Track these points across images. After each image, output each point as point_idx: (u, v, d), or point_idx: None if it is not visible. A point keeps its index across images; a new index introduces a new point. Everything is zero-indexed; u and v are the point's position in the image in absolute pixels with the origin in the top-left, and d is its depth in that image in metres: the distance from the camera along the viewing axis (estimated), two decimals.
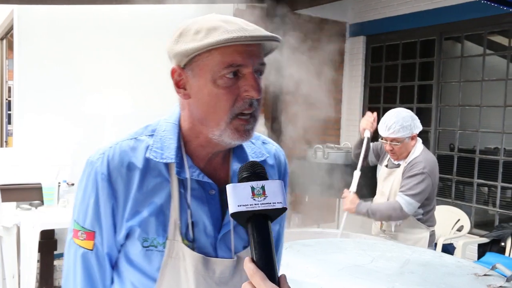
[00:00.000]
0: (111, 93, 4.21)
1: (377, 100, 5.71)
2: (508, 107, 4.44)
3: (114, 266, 1.01)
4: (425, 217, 2.73)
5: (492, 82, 4.74)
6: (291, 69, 4.49)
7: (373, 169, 3.41)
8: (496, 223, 4.43)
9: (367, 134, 2.89)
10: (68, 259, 1.02)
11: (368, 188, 3.63)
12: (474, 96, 4.85)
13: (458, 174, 4.85)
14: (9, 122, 6.73)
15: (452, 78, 5.10)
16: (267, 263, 0.74)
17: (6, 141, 6.68)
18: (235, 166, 1.03)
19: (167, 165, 0.98)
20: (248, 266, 0.73)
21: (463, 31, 4.81)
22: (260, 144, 1.13)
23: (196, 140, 1.00)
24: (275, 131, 5.20)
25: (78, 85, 4.15)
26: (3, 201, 3.22)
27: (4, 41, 6.54)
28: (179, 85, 0.97)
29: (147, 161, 0.97)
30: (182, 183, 0.98)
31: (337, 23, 5.68)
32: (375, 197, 3.00)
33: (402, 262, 1.91)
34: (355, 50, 5.82)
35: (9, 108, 6.68)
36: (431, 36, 5.08)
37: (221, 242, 1.00)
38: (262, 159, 1.08)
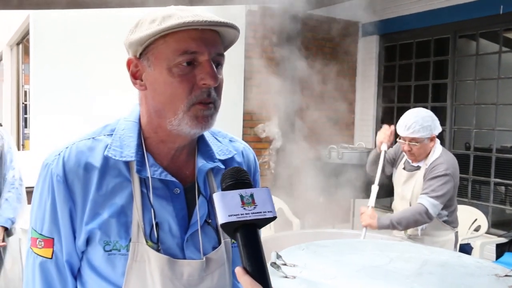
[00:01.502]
0: (125, 95, 4.24)
1: (391, 100, 5.67)
2: None
3: (78, 275, 0.96)
4: (450, 218, 2.70)
5: (509, 80, 4.68)
6: (304, 70, 4.48)
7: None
8: None
9: (384, 148, 2.80)
10: (27, 270, 0.96)
11: (382, 189, 3.60)
12: (490, 94, 4.79)
13: (475, 173, 4.79)
14: (25, 126, 6.83)
15: (467, 76, 5.05)
16: (263, 275, 0.73)
17: (23, 144, 6.79)
18: (201, 163, 0.99)
19: (127, 164, 0.94)
20: (244, 279, 0.71)
21: (478, 29, 4.75)
22: (227, 142, 1.09)
23: (156, 136, 0.96)
24: (289, 131, 5.20)
25: (94, 87, 4.20)
26: None
27: (20, 46, 6.64)
28: (136, 76, 0.94)
29: (105, 160, 0.93)
30: (144, 182, 0.94)
31: (349, 23, 5.65)
32: (394, 202, 2.94)
33: (420, 263, 1.89)
34: (368, 50, 5.79)
35: (25, 112, 6.78)
36: (445, 34, 5.03)
37: (188, 243, 0.95)
38: (229, 156, 1.05)
